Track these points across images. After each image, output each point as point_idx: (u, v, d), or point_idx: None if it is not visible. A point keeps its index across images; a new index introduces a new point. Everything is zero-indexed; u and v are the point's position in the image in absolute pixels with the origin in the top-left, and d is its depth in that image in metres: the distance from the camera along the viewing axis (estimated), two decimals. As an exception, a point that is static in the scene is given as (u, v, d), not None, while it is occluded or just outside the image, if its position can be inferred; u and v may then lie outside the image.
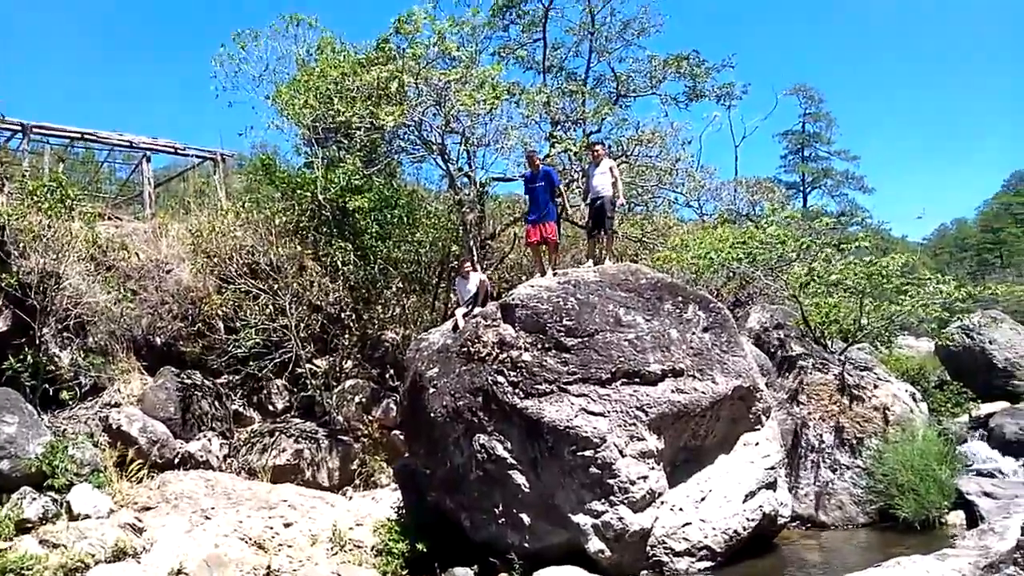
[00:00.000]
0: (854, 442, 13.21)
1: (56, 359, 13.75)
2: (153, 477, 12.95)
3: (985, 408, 17.67)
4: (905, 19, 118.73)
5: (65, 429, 12.90)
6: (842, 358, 14.89)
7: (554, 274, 11.88)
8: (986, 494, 12.35)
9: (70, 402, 13.57)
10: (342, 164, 16.67)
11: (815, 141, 59.25)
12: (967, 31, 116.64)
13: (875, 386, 14.00)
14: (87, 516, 10.92)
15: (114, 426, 13.33)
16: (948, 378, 20.14)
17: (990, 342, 19.59)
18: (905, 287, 15.27)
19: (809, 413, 13.69)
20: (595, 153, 12.93)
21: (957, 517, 12.11)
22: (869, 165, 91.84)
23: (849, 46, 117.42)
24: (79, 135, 22.06)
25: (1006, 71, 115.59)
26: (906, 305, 14.94)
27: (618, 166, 14.16)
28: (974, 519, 11.71)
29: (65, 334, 14.16)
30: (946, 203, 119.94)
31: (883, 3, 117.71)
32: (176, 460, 13.68)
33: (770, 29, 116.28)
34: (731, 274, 17.76)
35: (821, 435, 13.45)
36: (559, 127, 18.74)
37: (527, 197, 12.87)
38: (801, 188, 58.80)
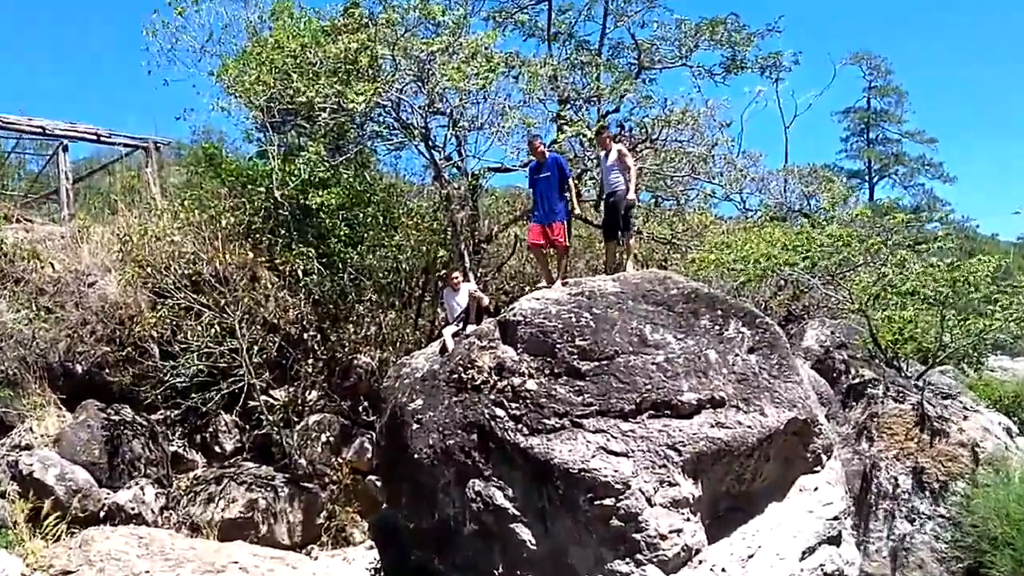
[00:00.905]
0: (936, 486, 13.22)
1: (-47, 392, 13.81)
2: (74, 534, 12.84)
3: (1099, 443, 17.64)
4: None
5: (-35, 477, 12.96)
6: (920, 384, 14.89)
7: (564, 284, 11.84)
8: (1100, 548, 12.39)
9: (-29, 444, 13.64)
10: (303, 153, 16.68)
11: (883, 120, 59.46)
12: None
13: (962, 418, 14.01)
14: (-8, 583, 10.95)
15: (25, 473, 13.34)
16: (1054, 407, 20.13)
17: (1105, 363, 19.66)
18: (996, 296, 15.29)
19: (881, 451, 13.72)
20: (602, 140, 12.98)
21: (1066, 576, 12.12)
22: (949, 149, 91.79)
23: (920, 4, 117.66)
24: (-21, 120, 22.17)
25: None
26: (997, 319, 14.97)
27: (635, 152, 14.21)
28: (1086, 578, 11.70)
29: (-36, 361, 14.23)
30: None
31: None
32: (102, 513, 13.67)
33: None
34: (782, 283, 17.75)
35: (896, 478, 13.45)
36: (568, 106, 18.81)
37: (531, 191, 12.93)
38: (867, 177, 59.06)
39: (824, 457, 11.40)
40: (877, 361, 15.78)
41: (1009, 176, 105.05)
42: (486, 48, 16.34)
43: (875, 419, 14.13)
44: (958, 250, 16.41)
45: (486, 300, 12.53)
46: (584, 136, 17.26)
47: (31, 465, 13.48)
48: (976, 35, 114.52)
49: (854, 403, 14.62)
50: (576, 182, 16.93)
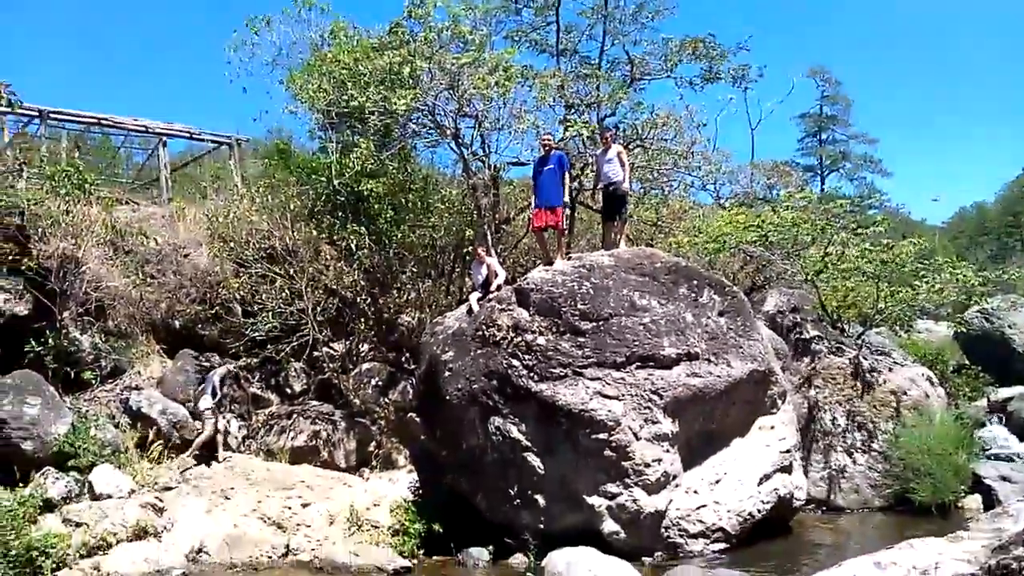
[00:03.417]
0: (870, 426, 13.23)
1: (77, 342, 13.95)
2: (173, 458, 13.18)
3: (1003, 392, 17.58)
4: (920, 6, 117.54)
5: (87, 411, 13.10)
6: (858, 342, 14.85)
7: (568, 258, 11.74)
8: (1003, 478, 12.43)
9: (92, 384, 13.81)
10: (356, 148, 16.58)
11: (833, 124, 58.25)
12: (984, 21, 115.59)
13: (890, 370, 13.99)
14: (109, 496, 11.15)
15: (134, 408, 13.55)
16: (967, 362, 20.07)
17: (1009, 326, 19.51)
18: (922, 272, 15.20)
19: (824, 397, 13.70)
20: (604, 139, 12.66)
21: (974, 501, 12.15)
22: (887, 149, 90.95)
23: (866, 30, 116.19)
24: (95, 120, 22.18)
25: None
26: (922, 290, 14.89)
27: (628, 150, 14.08)
28: (991, 503, 11.70)
29: (86, 318, 14.39)
30: (967, 186, 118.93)
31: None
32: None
33: (786, 11, 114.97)
34: (748, 258, 17.64)
35: (836, 418, 13.47)
36: (573, 111, 18.52)
37: (534, 182, 12.49)
38: (819, 171, 58.01)
39: (779, 401, 11.46)
40: (824, 323, 15.74)
41: (937, 170, 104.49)
42: (505, 62, 16.16)
43: (820, 370, 14.08)
44: (893, 233, 16.19)
45: (503, 277, 12.11)
46: (582, 135, 16.95)
47: (139, 402, 13.67)
48: (916, 57, 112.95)
49: (803, 357, 14.55)
50: (579, 175, 16.78)
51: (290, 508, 11.68)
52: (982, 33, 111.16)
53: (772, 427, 11.29)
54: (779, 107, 45.02)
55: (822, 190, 49.81)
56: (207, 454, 13.36)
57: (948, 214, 72.07)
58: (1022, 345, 19.14)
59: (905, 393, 13.51)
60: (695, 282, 11.16)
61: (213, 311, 15.83)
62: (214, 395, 13.68)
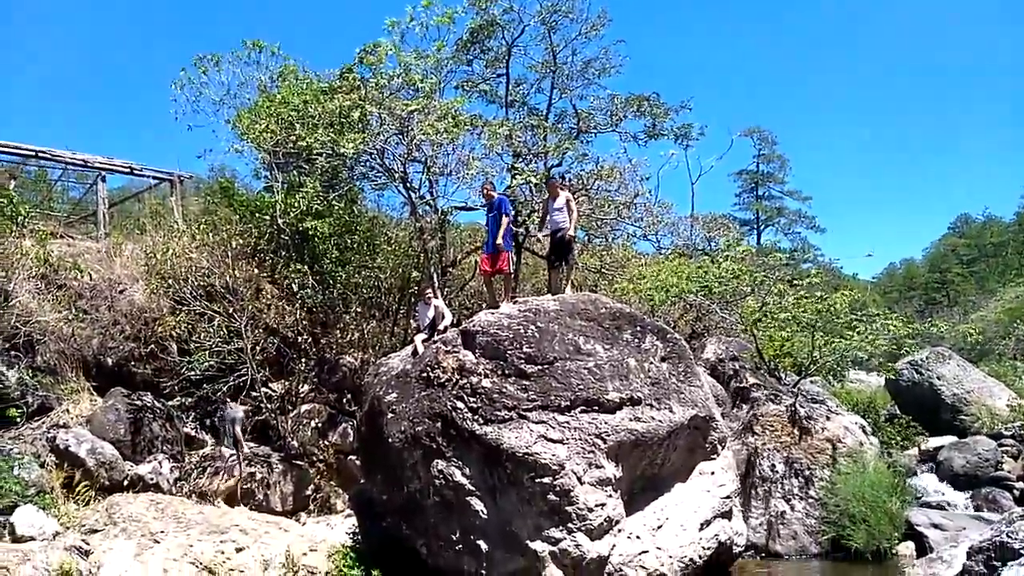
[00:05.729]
0: (807, 473, 13.48)
1: (3, 377, 13.45)
2: (101, 499, 12.59)
3: (933, 442, 18.11)
4: (856, 73, 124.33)
5: (11, 449, 12.55)
6: (795, 390, 15.20)
7: (514, 302, 11.78)
8: (935, 526, 12.67)
9: (17, 421, 13.28)
10: (302, 189, 16.56)
11: (769, 181, 60.77)
12: (914, 91, 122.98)
13: (827, 418, 14.32)
14: (31, 538, 10.62)
15: (61, 447, 13.04)
16: (898, 412, 20.66)
17: (938, 378, 20.11)
18: (854, 323, 15.71)
19: (763, 444, 13.94)
20: (552, 187, 12.82)
21: (907, 548, 12.41)
22: (821, 205, 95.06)
23: (802, 93, 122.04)
24: (33, 153, 21.57)
25: (952, 126, 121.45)
26: (855, 340, 15.36)
27: (576, 199, 14.32)
28: (923, 550, 12.00)
29: (13, 352, 13.91)
30: (895, 243, 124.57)
31: (834, 59, 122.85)
32: (125, 483, 13.34)
33: (728, 74, 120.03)
34: (688, 306, 18.00)
35: (774, 465, 13.69)
36: (521, 159, 18.88)
37: (486, 228, 12.76)
38: (755, 226, 60.13)
39: (719, 447, 11.54)
40: (761, 371, 16.05)
41: (868, 228, 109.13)
42: (455, 110, 16.35)
43: (758, 417, 14.35)
44: (825, 286, 16.71)
45: (449, 319, 12.14)
46: (531, 183, 17.34)
47: (67, 440, 13.16)
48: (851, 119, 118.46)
49: (742, 404, 14.88)
50: (524, 220, 17.02)
51: (223, 553, 11.17)
52: (913, 104, 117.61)
53: (713, 473, 11.32)
54: (718, 164, 46.68)
55: (759, 244, 51.38)
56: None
57: (878, 270, 75.09)
58: (950, 396, 19.75)
59: (840, 441, 13.82)
60: (638, 328, 11.27)
61: (148, 349, 15.45)
62: (234, 441, 13.37)
